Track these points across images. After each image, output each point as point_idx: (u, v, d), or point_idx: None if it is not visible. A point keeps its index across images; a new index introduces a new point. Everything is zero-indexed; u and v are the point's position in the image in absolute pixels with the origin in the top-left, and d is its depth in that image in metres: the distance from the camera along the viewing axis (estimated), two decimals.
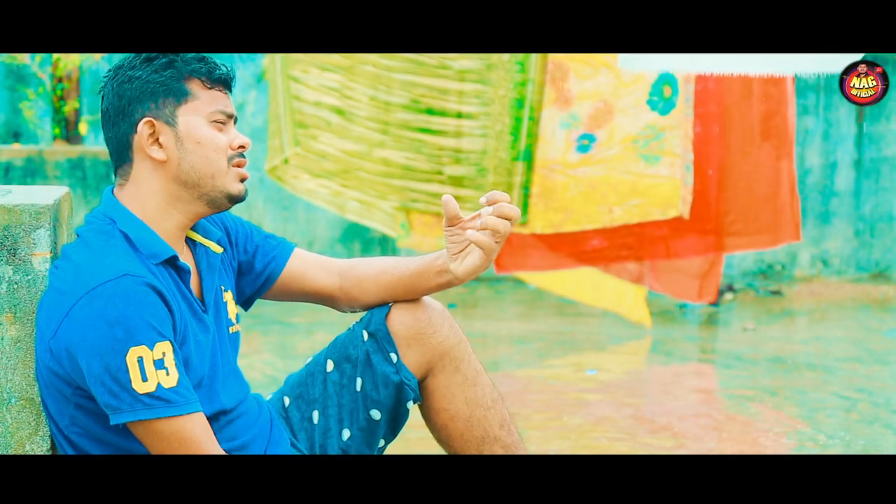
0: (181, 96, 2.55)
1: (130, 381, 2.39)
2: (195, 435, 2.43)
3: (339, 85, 6.17)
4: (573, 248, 6.17)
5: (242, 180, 2.60)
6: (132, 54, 2.59)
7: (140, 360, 2.39)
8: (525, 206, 6.15)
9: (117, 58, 2.64)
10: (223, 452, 2.48)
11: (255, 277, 2.80)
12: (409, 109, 6.17)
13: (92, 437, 2.52)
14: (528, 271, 6.37)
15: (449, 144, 6.17)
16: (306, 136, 6.23)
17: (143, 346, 2.40)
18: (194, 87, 2.56)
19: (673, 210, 5.96)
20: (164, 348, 2.42)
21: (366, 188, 6.24)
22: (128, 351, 2.39)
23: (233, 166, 2.58)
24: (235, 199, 2.59)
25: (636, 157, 6.03)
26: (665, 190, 5.98)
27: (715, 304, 7.29)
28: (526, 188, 6.14)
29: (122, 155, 2.57)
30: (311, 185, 6.27)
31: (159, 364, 2.40)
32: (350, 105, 6.18)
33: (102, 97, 2.59)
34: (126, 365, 2.39)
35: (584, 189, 6.08)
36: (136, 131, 2.54)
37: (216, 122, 2.57)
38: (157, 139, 2.54)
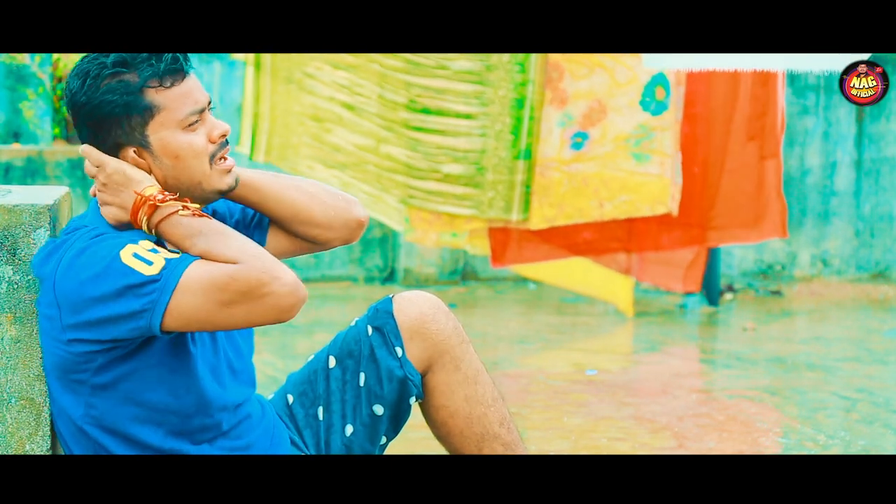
0: (145, 113, 2.48)
1: (142, 273, 2.40)
2: (212, 265, 2.40)
3: (348, 82, 6.35)
4: (565, 239, 6.53)
5: (230, 171, 2.56)
6: (76, 68, 2.50)
7: (136, 255, 2.41)
8: (526, 204, 6.37)
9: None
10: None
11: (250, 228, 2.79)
12: (408, 109, 6.33)
13: (106, 428, 2.51)
14: (524, 263, 6.69)
15: (447, 143, 6.33)
16: (320, 129, 6.41)
17: (129, 245, 2.42)
18: (154, 96, 2.48)
19: (662, 207, 6.29)
20: (148, 243, 2.44)
21: (373, 181, 6.43)
22: (119, 255, 2.41)
23: (216, 164, 2.53)
24: (226, 192, 2.58)
25: (627, 156, 6.32)
26: (654, 188, 6.29)
27: (715, 303, 7.29)
28: (527, 186, 6.35)
29: None
30: (324, 175, 6.44)
31: (153, 251, 2.43)
32: (359, 101, 6.36)
33: (72, 118, 2.54)
34: (127, 266, 2.40)
35: (577, 184, 6.36)
36: (115, 154, 2.52)
37: (191, 125, 2.51)
38: (140, 160, 2.52)
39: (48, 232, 2.56)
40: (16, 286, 2.55)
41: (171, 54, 2.49)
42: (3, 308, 2.55)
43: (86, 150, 2.53)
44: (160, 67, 2.47)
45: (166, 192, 2.50)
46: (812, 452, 4.40)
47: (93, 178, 2.54)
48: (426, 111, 6.32)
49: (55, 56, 8.33)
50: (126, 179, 2.49)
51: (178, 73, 2.49)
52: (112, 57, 2.48)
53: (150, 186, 2.49)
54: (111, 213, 2.51)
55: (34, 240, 2.55)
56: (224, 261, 2.42)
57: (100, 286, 2.41)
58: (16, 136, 8.48)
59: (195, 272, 2.40)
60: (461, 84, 6.31)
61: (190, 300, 2.41)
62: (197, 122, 2.51)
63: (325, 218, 2.72)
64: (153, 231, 2.49)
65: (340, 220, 2.73)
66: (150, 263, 2.40)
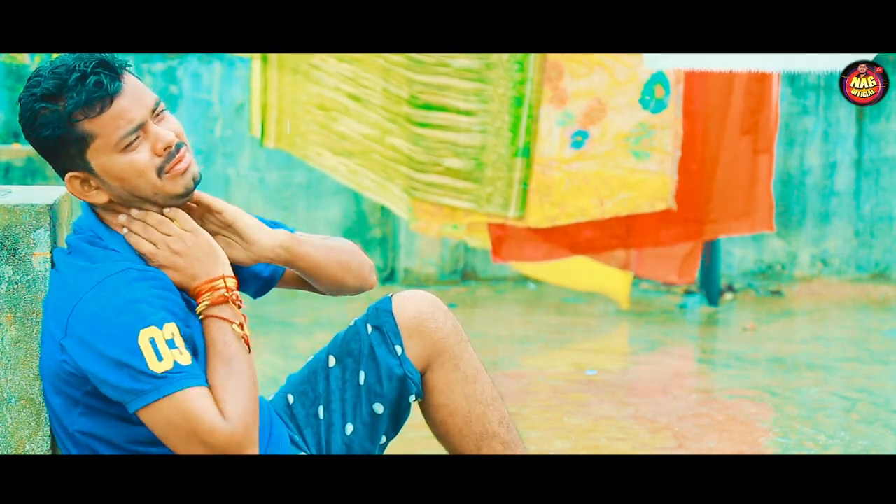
0: (80, 143, 2.45)
1: (147, 364, 2.37)
2: (208, 405, 2.39)
3: (353, 74, 6.40)
4: (566, 239, 6.54)
5: (185, 172, 2.50)
6: (19, 96, 2.49)
7: (152, 341, 2.38)
8: (523, 201, 6.41)
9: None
10: (229, 427, 2.40)
11: (257, 279, 2.81)
12: (410, 104, 6.36)
13: (97, 438, 2.52)
14: (524, 261, 6.71)
15: (448, 138, 6.37)
16: (328, 117, 6.46)
17: (153, 327, 2.39)
18: (85, 126, 2.44)
19: (661, 203, 6.34)
20: (173, 329, 2.41)
21: (379, 170, 6.50)
22: (138, 334, 2.38)
23: (166, 174, 2.48)
24: (186, 194, 2.54)
25: (627, 153, 6.35)
26: (654, 185, 6.34)
27: (715, 303, 7.29)
28: (525, 184, 6.38)
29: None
30: (332, 162, 6.53)
31: (171, 344, 2.39)
32: (364, 93, 6.42)
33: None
34: (139, 348, 2.38)
35: (578, 183, 6.39)
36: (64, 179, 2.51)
37: (128, 145, 2.46)
38: (90, 183, 2.50)
39: (48, 232, 2.56)
40: (16, 286, 2.55)
41: (94, 78, 2.43)
42: (3, 308, 2.55)
43: (174, 213, 2.51)
44: (83, 97, 2.42)
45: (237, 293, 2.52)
46: (812, 452, 4.40)
47: (160, 235, 2.50)
48: (428, 107, 6.37)
49: (55, 56, 8.33)
50: (214, 256, 2.51)
51: (105, 98, 2.43)
52: (41, 88, 2.45)
53: (231, 277, 2.51)
54: (172, 277, 2.48)
55: (34, 240, 2.55)
56: (220, 407, 2.39)
57: (106, 345, 2.39)
58: (16, 137, 8.48)
59: (189, 401, 2.38)
60: (461, 81, 6.35)
61: (165, 416, 2.39)
62: (136, 139, 2.46)
63: (352, 287, 2.85)
64: (201, 314, 2.49)
65: (358, 286, 2.86)
66: (160, 359, 2.38)
